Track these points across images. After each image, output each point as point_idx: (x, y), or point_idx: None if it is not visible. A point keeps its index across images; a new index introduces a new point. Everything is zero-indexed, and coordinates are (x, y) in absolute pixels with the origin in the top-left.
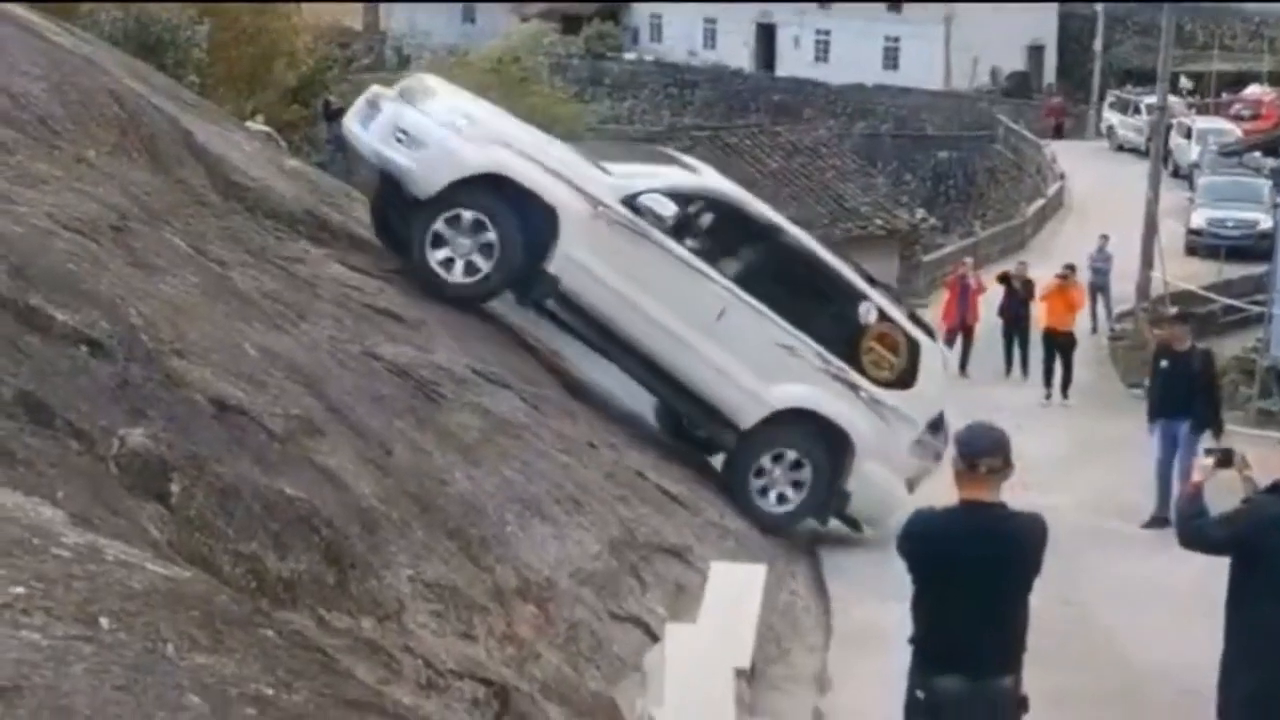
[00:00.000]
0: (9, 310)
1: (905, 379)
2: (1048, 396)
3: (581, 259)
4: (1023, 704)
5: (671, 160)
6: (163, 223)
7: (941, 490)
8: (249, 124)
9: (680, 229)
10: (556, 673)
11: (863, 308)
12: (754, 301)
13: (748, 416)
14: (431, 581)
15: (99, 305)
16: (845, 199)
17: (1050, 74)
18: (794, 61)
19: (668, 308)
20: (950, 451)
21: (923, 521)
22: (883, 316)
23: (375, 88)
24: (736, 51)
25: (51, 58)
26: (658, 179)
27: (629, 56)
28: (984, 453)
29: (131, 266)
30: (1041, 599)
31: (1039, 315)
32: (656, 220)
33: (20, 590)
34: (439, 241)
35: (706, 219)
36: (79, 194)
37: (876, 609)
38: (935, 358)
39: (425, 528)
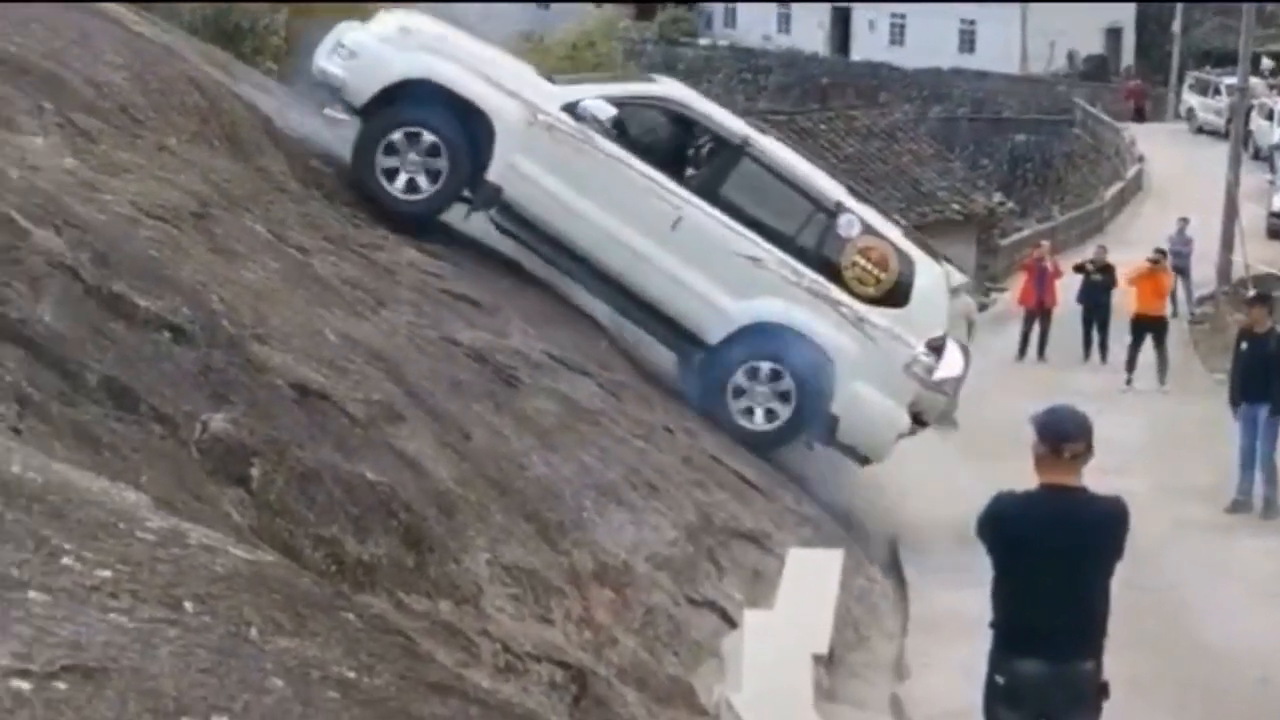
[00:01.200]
0: (94, 297)
1: (896, 297)
2: (1128, 382)
3: (522, 167)
4: (1104, 689)
5: (635, 80)
6: (243, 209)
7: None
8: (327, 111)
9: (632, 138)
10: (634, 657)
11: (843, 220)
12: (713, 211)
13: (713, 331)
14: (509, 565)
15: (181, 291)
16: (921, 183)
17: (1128, 56)
18: (869, 45)
19: (618, 217)
20: (1031, 435)
21: (1004, 505)
22: (869, 230)
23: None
24: (811, 35)
25: (133, 47)
26: (601, 87)
27: (703, 42)
28: (1069, 437)
29: (213, 253)
30: (1122, 584)
31: (1127, 300)
32: (598, 125)
33: (107, 574)
34: (390, 170)
35: (662, 127)
36: (161, 182)
37: (954, 594)
38: (933, 277)
39: (503, 512)
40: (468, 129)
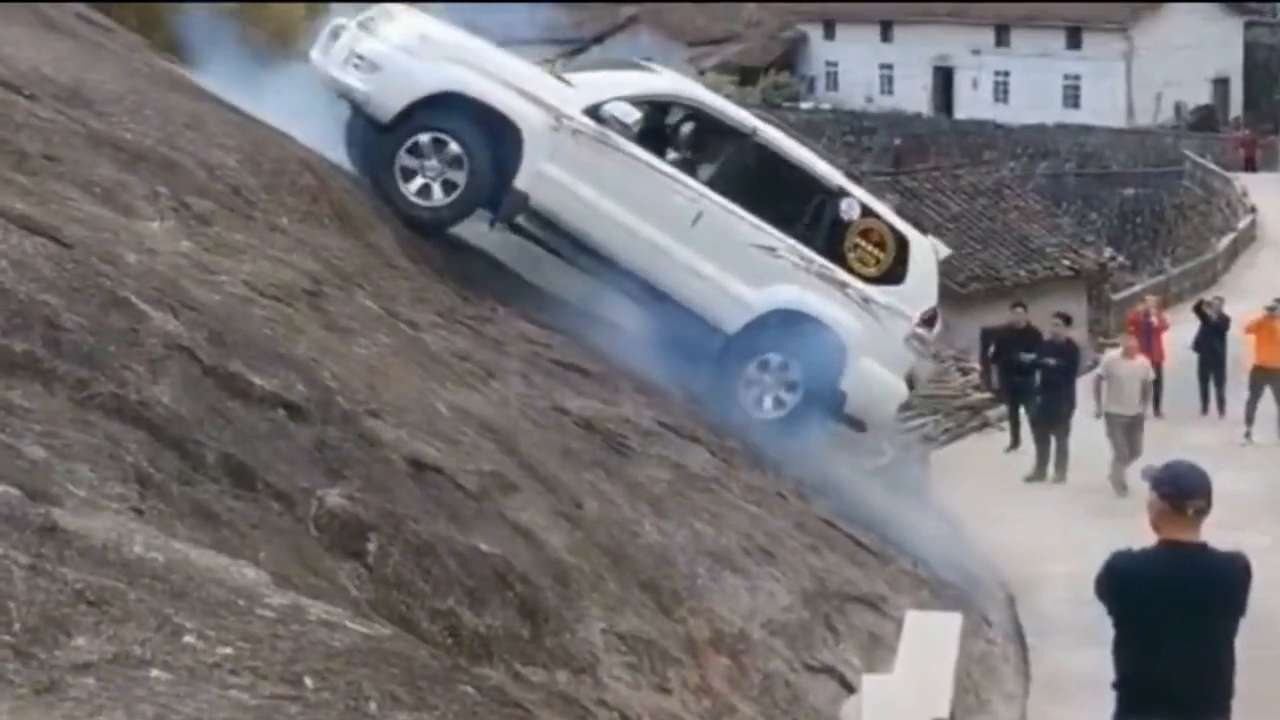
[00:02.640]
0: (211, 377)
1: (894, 274)
2: (1247, 435)
3: (548, 172)
4: None
5: (635, 67)
6: (355, 286)
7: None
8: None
9: (648, 135)
10: None
11: (844, 204)
12: (729, 204)
13: (733, 321)
14: (625, 634)
15: (296, 369)
16: (1030, 240)
17: (1236, 106)
18: (973, 103)
19: (640, 216)
20: (1148, 492)
21: (1122, 563)
22: (867, 212)
23: (338, 19)
24: (914, 96)
25: (244, 129)
26: (620, 87)
27: (805, 105)
28: (1192, 494)
29: (326, 330)
30: (1243, 643)
31: (1245, 351)
32: (621, 128)
33: (228, 651)
34: (409, 170)
35: (676, 123)
36: (274, 261)
37: (1076, 655)
38: (925, 252)
39: (617, 580)
40: (493, 139)
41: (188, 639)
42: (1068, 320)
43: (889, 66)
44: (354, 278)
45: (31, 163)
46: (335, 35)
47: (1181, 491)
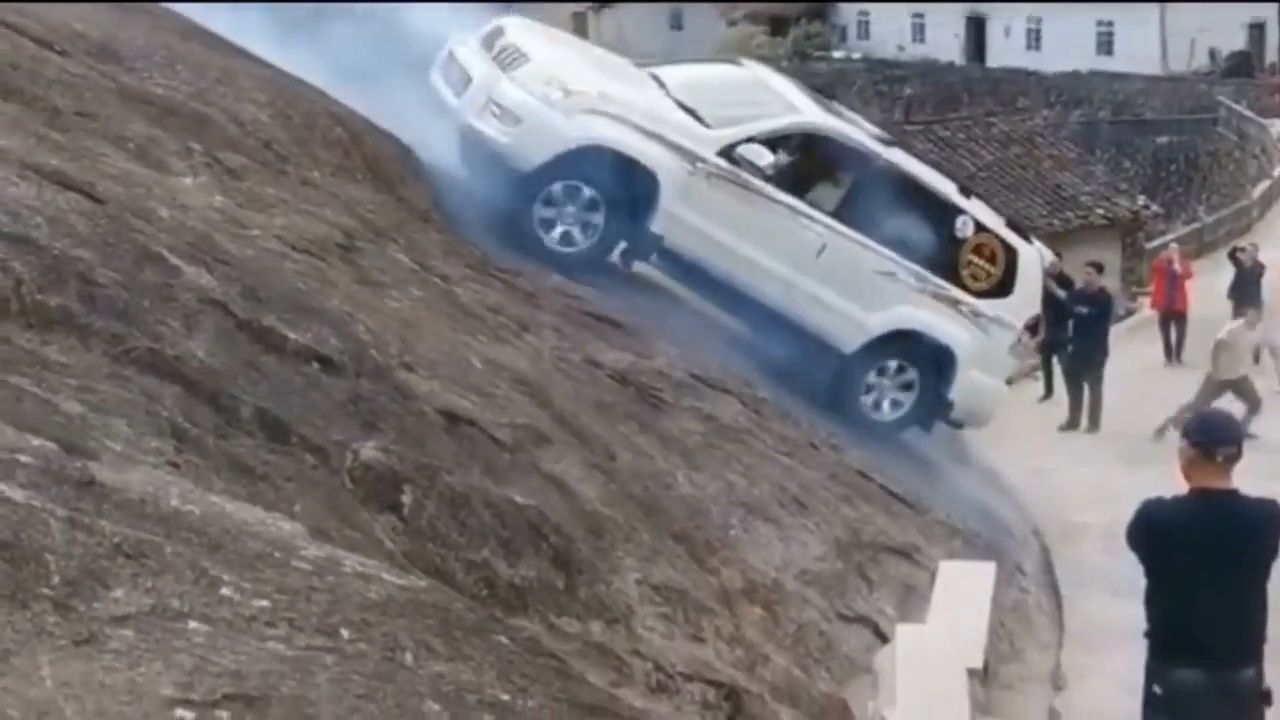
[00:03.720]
0: (244, 331)
1: (1003, 286)
2: None
3: (682, 215)
4: (1266, 697)
5: (730, 63)
6: (387, 240)
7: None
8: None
9: (777, 170)
10: (786, 674)
11: (959, 222)
12: (852, 234)
13: (850, 343)
14: (659, 584)
15: (329, 323)
16: (1064, 189)
17: (1272, 52)
18: (1005, 51)
19: (768, 251)
20: (1180, 441)
21: (1153, 511)
22: (980, 228)
23: (455, 40)
24: (946, 44)
25: (275, 83)
26: (752, 126)
27: (837, 55)
28: (1222, 441)
29: (359, 284)
30: (1278, 589)
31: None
32: (754, 170)
33: (264, 603)
34: (548, 221)
35: (803, 154)
36: (306, 215)
37: (1109, 604)
38: (1031, 261)
39: (651, 532)
40: (628, 184)
41: (225, 591)
42: (1100, 269)
43: (921, 15)
44: (386, 231)
45: (64, 119)
46: (458, 63)
47: (1211, 439)
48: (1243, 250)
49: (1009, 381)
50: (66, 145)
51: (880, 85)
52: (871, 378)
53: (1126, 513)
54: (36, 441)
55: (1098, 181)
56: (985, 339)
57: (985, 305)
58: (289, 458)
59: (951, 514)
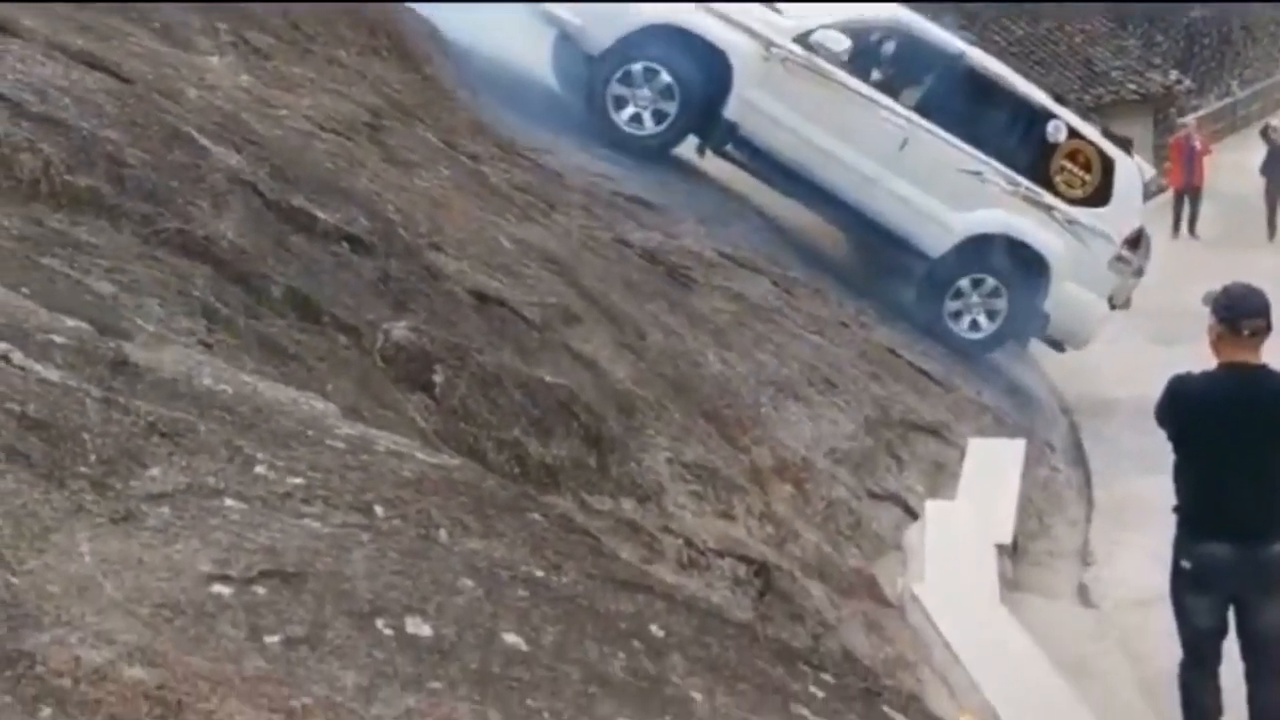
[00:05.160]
0: (273, 211)
1: (1100, 196)
2: None
3: (757, 102)
4: None
5: None
6: (415, 119)
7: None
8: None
9: (856, 61)
10: (816, 551)
11: (1051, 126)
12: (936, 129)
13: (936, 245)
14: (689, 463)
15: (358, 203)
16: (1095, 64)
17: None
18: None
19: (848, 143)
20: (1208, 316)
21: (1183, 387)
22: (1074, 134)
23: None
24: None
25: None
26: (829, 14)
27: None
28: (1249, 314)
29: (387, 163)
30: None
31: None
32: (831, 56)
33: (299, 481)
34: (621, 99)
35: (885, 49)
36: (333, 94)
37: (1138, 480)
38: (1130, 173)
39: (681, 410)
40: (703, 69)
41: (259, 469)
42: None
43: None
44: (413, 110)
45: None
46: None
47: (1238, 313)
48: (1275, 129)
49: (1116, 305)
50: (92, 25)
51: None
52: (962, 284)
53: (1155, 389)
54: (70, 322)
55: (1130, 56)
56: (1081, 249)
57: (1081, 214)
58: (320, 337)
59: (981, 391)
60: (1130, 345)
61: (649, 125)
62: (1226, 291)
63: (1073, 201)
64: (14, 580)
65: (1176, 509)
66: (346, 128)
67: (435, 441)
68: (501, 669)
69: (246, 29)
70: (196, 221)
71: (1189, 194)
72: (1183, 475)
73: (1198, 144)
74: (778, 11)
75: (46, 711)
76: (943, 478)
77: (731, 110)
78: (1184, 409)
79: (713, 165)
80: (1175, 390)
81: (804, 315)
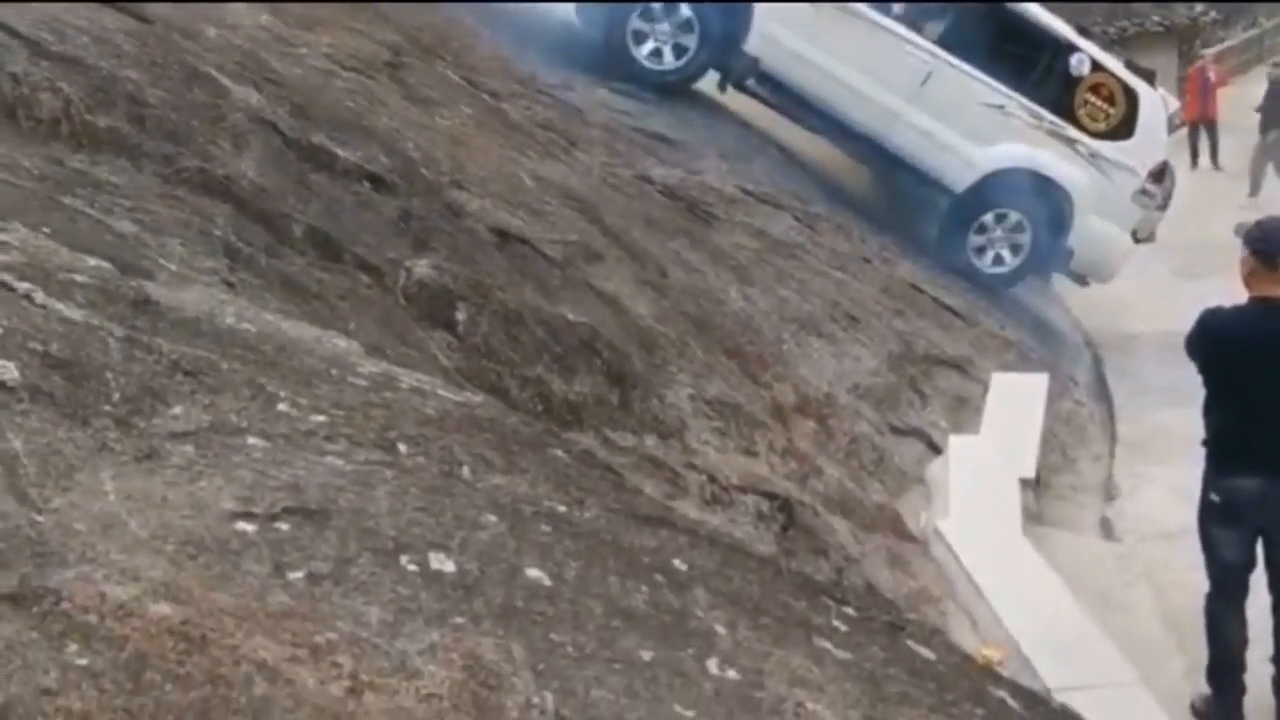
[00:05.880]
0: (294, 150)
1: (1123, 129)
2: None
3: (779, 36)
4: None
5: None
6: (435, 56)
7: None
8: None
9: None
10: (839, 486)
11: (1074, 59)
12: (959, 63)
13: (959, 180)
14: (712, 399)
15: (379, 141)
16: None
17: None
18: None
19: (871, 77)
20: (1240, 249)
21: (1214, 320)
22: (1097, 67)
23: None
24: None
25: None
26: None
27: None
28: None
29: (407, 101)
30: None
31: None
32: None
33: (322, 418)
34: (640, 33)
35: None
36: (353, 33)
37: (1162, 414)
38: (1154, 106)
39: (703, 347)
40: (723, 2)
41: (282, 407)
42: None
43: None
44: (433, 48)
45: None
46: None
47: (1272, 246)
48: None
49: (1140, 239)
50: None
51: None
52: (985, 219)
53: (1180, 323)
54: (92, 261)
55: None
56: (1105, 182)
57: (1104, 147)
58: (342, 276)
59: (1005, 326)
60: (1154, 279)
61: (669, 60)
62: (1260, 225)
63: (1096, 135)
64: (39, 518)
65: (1206, 443)
66: (367, 66)
67: (458, 379)
68: (525, 603)
69: None
70: (217, 160)
71: (1205, 126)
72: (1213, 409)
73: (1212, 76)
74: None
75: (73, 647)
76: (966, 412)
77: (753, 45)
78: (1215, 343)
79: (734, 101)
80: (1206, 324)
81: (826, 251)
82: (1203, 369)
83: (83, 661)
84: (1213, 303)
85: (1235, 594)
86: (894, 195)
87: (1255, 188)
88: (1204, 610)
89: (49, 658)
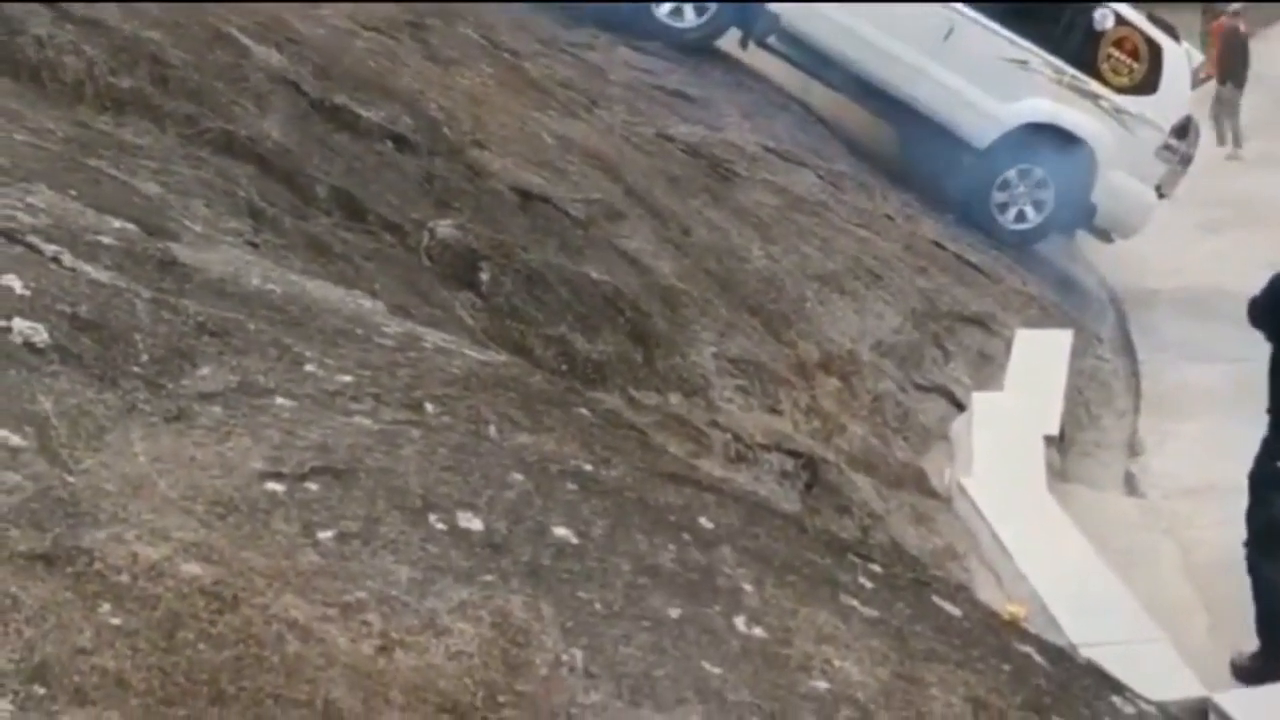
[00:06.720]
0: (317, 110)
1: (1147, 84)
2: None
3: None
4: None
5: None
6: (455, 15)
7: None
8: None
9: None
10: (863, 444)
11: (1097, 14)
12: (982, 18)
13: (983, 136)
14: (735, 357)
15: (401, 101)
16: None
17: None
18: None
19: (893, 34)
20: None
21: None
22: (1120, 21)
23: None
24: None
25: None
26: None
27: None
28: None
29: (428, 61)
30: None
31: None
32: None
33: (348, 378)
34: None
35: None
36: None
37: (1186, 370)
38: (1178, 60)
39: (726, 305)
40: None
41: (308, 368)
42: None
43: None
44: (454, 7)
45: None
46: None
47: None
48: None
49: (1164, 195)
50: None
51: None
52: (1008, 175)
53: (1203, 279)
54: (117, 223)
55: None
56: (1128, 138)
57: (1128, 102)
58: (366, 236)
59: (1028, 282)
60: (1178, 234)
61: (690, 18)
62: None
63: (1120, 90)
64: (71, 479)
65: (1271, 409)
66: (388, 26)
67: (482, 339)
68: (552, 561)
69: None
70: (240, 121)
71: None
72: (1277, 376)
73: (1242, 28)
74: None
75: (106, 606)
76: (989, 369)
77: (774, 2)
78: None
79: (756, 58)
80: (1275, 290)
81: (849, 208)
82: (1271, 335)
83: (116, 621)
84: (1235, 258)
85: (1277, 547)
86: (916, 152)
87: (1223, 139)
88: (1245, 562)
89: (83, 617)
